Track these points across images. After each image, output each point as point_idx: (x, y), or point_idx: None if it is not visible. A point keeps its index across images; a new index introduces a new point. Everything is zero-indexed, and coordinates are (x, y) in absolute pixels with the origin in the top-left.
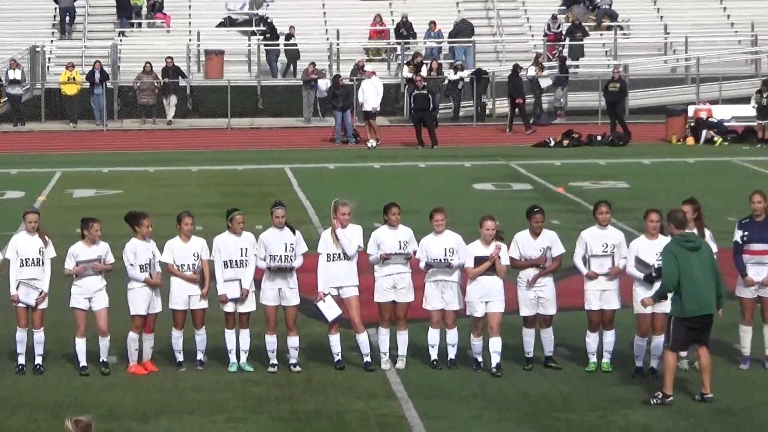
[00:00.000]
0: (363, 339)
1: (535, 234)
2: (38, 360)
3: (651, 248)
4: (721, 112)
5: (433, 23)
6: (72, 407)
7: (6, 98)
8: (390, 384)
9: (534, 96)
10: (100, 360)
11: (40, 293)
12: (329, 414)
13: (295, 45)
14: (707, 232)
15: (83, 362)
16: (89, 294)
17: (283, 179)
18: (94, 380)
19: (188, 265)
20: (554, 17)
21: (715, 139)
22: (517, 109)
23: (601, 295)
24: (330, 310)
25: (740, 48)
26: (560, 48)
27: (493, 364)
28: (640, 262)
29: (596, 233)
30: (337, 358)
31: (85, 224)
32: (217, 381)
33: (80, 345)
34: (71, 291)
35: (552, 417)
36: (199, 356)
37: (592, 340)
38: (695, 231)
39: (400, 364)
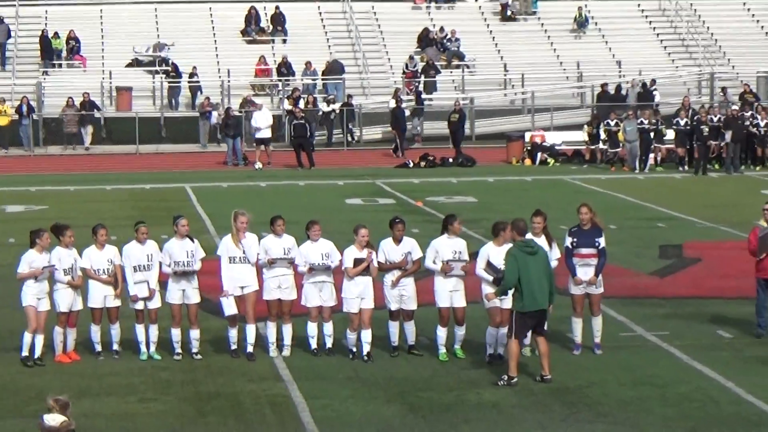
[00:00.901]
0: (251, 329)
1: (397, 241)
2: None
3: (499, 253)
4: (553, 138)
5: (308, 63)
6: (7, 390)
7: None
8: (277, 369)
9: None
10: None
11: None
12: (227, 395)
13: (198, 82)
14: (554, 243)
15: (25, 353)
16: (41, 295)
17: (183, 196)
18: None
19: (103, 269)
20: (411, 57)
21: (548, 160)
22: (398, 137)
23: (451, 295)
24: (229, 307)
25: (568, 83)
26: (416, 83)
27: (365, 352)
28: (489, 266)
29: (446, 242)
30: (233, 347)
31: (36, 234)
32: (131, 367)
33: (27, 338)
34: (25, 291)
35: (415, 396)
36: (115, 347)
37: (441, 333)
38: (543, 239)
39: (286, 352)
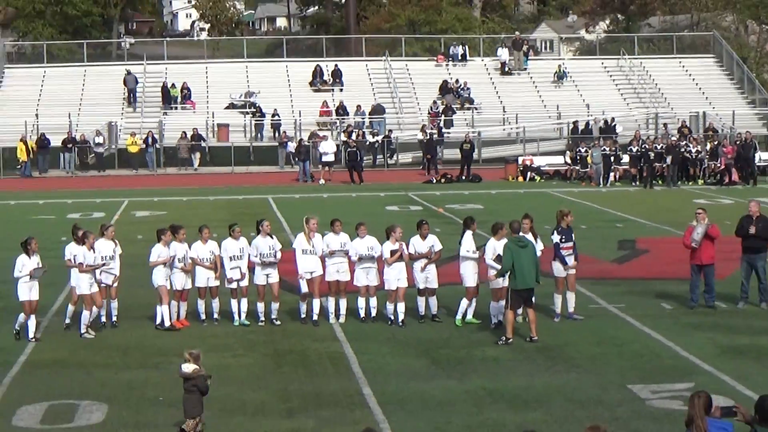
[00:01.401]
0: (317, 303)
1: (423, 237)
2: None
3: (498, 246)
4: (539, 161)
5: (359, 106)
6: (137, 348)
7: (94, 155)
8: (335, 332)
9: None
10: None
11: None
12: (298, 351)
13: (278, 120)
14: (538, 238)
15: (159, 321)
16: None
17: (266, 204)
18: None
19: (206, 258)
20: (434, 102)
21: (536, 178)
22: (429, 161)
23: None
24: (303, 287)
25: (549, 121)
26: (438, 121)
27: (400, 319)
28: (498, 257)
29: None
30: (303, 316)
31: (161, 232)
32: (226, 331)
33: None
34: (155, 274)
35: (437, 352)
36: (215, 315)
37: (464, 304)
38: (530, 235)
39: (342, 319)
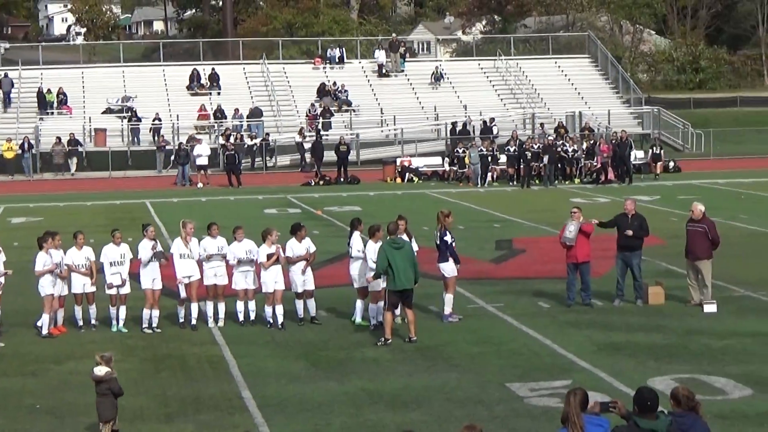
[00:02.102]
0: (195, 307)
1: (300, 239)
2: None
3: (376, 248)
4: (417, 162)
5: (237, 109)
6: (13, 355)
7: None
8: (214, 336)
9: (300, 152)
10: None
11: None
12: (176, 356)
13: (157, 123)
14: (413, 238)
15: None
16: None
17: (145, 209)
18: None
19: (82, 264)
20: (312, 104)
21: (414, 179)
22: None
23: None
24: (182, 291)
25: (427, 122)
26: (316, 123)
27: (279, 322)
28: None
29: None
30: (181, 320)
31: (43, 239)
32: (104, 337)
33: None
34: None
35: (316, 354)
36: (93, 322)
37: (360, 304)
38: (405, 236)
39: (220, 323)
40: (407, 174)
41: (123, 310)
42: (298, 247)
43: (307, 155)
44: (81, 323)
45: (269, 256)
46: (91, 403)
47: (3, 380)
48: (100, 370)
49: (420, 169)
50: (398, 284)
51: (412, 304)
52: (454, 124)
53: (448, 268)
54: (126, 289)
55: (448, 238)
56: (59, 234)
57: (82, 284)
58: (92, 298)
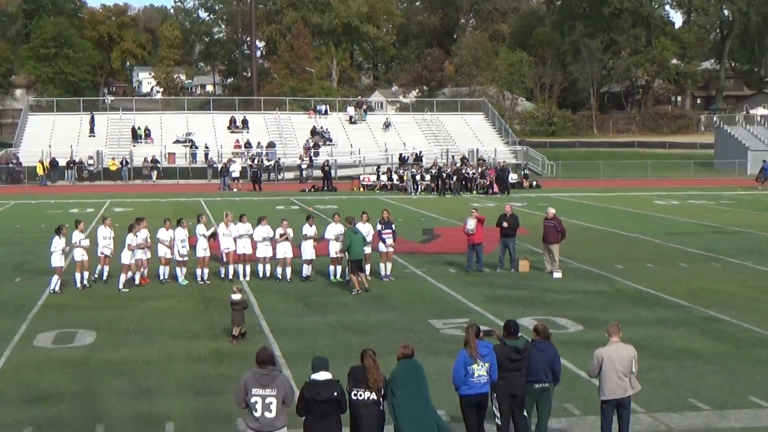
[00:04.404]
0: (231, 268)
1: (311, 225)
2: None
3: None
4: (372, 178)
5: (258, 142)
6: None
7: (87, 171)
8: (243, 286)
9: (300, 170)
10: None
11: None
12: (219, 299)
13: (208, 150)
14: (372, 226)
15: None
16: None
17: (199, 205)
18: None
19: (166, 240)
20: (307, 140)
21: (372, 187)
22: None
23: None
24: (223, 257)
25: (381, 153)
26: (311, 153)
27: (288, 277)
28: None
29: (334, 226)
30: (222, 276)
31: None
32: (173, 286)
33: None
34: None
35: (308, 299)
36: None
37: (331, 269)
38: (368, 224)
39: (248, 278)
40: (367, 184)
41: (183, 269)
42: (309, 230)
43: (305, 172)
44: (162, 277)
45: (281, 235)
46: (164, 326)
47: (107, 312)
48: (237, 296)
49: (375, 181)
50: (354, 255)
51: (365, 268)
52: (401, 155)
53: (380, 246)
54: (186, 256)
55: (378, 227)
56: (145, 219)
57: (164, 252)
58: (165, 261)
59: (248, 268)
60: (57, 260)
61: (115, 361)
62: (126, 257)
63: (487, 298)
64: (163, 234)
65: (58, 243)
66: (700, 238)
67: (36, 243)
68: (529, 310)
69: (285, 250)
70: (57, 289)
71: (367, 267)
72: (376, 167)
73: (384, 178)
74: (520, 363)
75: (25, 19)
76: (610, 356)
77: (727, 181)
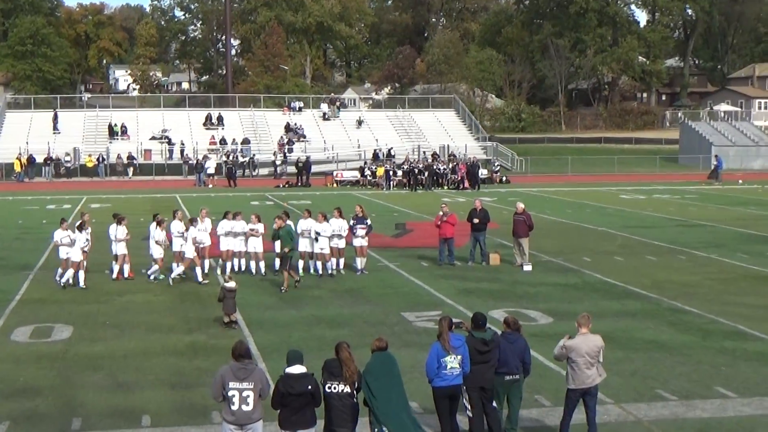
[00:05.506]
0: (206, 263)
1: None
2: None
3: (317, 226)
4: (347, 174)
5: (234, 139)
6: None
7: (64, 168)
8: (218, 280)
9: (274, 166)
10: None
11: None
12: (194, 293)
13: (184, 147)
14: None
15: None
16: None
17: (174, 200)
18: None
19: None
20: (281, 137)
21: (345, 184)
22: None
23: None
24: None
25: (354, 149)
26: (285, 149)
27: (262, 272)
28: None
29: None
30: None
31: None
32: (146, 281)
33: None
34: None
35: (284, 293)
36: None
37: (301, 263)
38: (342, 219)
39: (219, 270)
40: (341, 180)
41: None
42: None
43: (280, 168)
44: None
45: (251, 230)
46: (141, 320)
47: (84, 306)
48: (231, 284)
49: (349, 178)
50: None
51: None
52: (375, 151)
53: (354, 241)
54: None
55: (351, 222)
56: (125, 216)
57: (159, 254)
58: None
59: (228, 265)
60: (74, 254)
61: (92, 356)
62: (156, 251)
63: (459, 291)
64: (159, 232)
65: (79, 236)
66: (666, 231)
67: (13, 239)
68: (500, 303)
69: (255, 245)
70: (83, 284)
71: (341, 261)
72: (359, 165)
73: (356, 173)
74: (489, 355)
75: (3, 18)
76: (579, 347)
77: (692, 176)
